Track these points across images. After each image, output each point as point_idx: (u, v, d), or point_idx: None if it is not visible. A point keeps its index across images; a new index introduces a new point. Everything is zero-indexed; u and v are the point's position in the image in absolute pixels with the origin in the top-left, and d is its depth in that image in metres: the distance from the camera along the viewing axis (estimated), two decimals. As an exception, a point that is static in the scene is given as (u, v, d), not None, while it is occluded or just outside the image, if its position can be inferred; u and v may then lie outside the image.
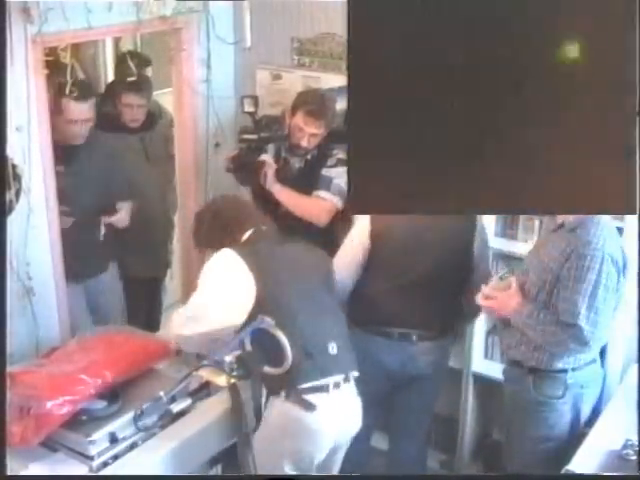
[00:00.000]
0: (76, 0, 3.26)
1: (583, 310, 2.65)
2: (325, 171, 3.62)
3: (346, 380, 2.82)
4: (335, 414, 2.77)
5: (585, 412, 2.87)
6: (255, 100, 3.75)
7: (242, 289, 2.71)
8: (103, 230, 3.86)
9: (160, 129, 4.40)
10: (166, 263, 4.67)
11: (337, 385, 2.77)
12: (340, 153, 3.60)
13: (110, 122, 4.20)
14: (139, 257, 4.28)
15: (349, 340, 2.88)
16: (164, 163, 4.38)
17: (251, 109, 3.72)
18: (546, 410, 2.84)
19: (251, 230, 2.90)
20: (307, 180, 3.66)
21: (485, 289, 2.90)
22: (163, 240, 4.55)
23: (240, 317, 2.63)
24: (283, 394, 2.71)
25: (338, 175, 3.57)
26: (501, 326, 3.01)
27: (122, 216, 3.85)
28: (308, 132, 3.59)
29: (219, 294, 2.76)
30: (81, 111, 3.58)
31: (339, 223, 3.58)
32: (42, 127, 3.33)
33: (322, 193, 3.58)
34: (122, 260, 4.21)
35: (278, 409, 2.72)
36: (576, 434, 2.81)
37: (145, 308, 4.57)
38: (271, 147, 3.78)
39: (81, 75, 4.79)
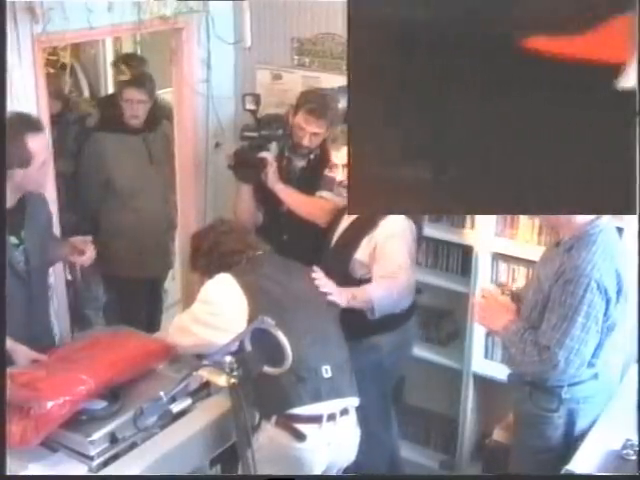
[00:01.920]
0: (77, 0, 3.26)
1: (558, 335, 2.63)
2: (328, 171, 3.61)
3: (344, 413, 2.81)
4: (326, 447, 2.77)
5: (581, 427, 2.83)
6: (256, 98, 3.75)
7: (234, 312, 2.76)
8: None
9: (164, 129, 4.38)
10: (167, 264, 4.67)
11: (332, 417, 2.77)
12: None
13: (113, 122, 4.20)
14: (140, 258, 4.28)
15: (347, 364, 2.89)
16: (167, 164, 4.36)
17: (252, 107, 3.72)
18: (542, 422, 2.83)
19: (248, 257, 2.95)
20: (310, 180, 3.66)
21: (482, 296, 2.94)
22: (165, 241, 4.55)
23: (228, 338, 2.62)
24: (274, 419, 2.74)
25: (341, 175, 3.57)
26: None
27: (90, 254, 3.21)
28: (309, 131, 3.60)
29: (209, 316, 2.82)
30: (44, 142, 2.95)
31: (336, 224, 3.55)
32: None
33: (324, 193, 3.58)
34: (123, 261, 4.20)
35: (268, 434, 2.74)
36: (572, 447, 2.78)
37: (145, 309, 4.57)
38: (274, 146, 3.79)
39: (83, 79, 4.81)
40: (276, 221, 3.72)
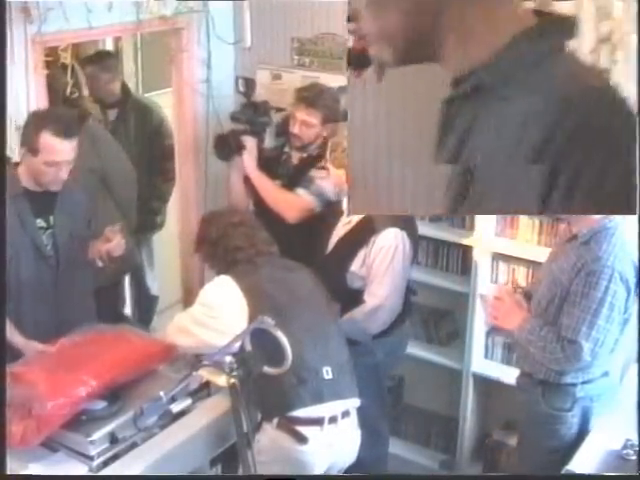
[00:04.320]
0: (76, 0, 3.26)
1: (584, 327, 2.64)
2: (313, 171, 3.64)
3: (345, 415, 2.81)
4: (327, 449, 2.77)
5: (593, 425, 2.84)
6: (248, 81, 3.85)
7: (234, 315, 2.74)
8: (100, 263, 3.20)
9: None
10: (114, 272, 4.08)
11: (333, 419, 2.76)
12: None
13: None
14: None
15: (348, 365, 2.88)
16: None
17: (243, 89, 3.84)
18: (555, 422, 2.83)
19: (252, 255, 2.91)
20: (300, 177, 3.68)
21: (494, 297, 2.95)
22: None
23: (228, 340, 2.59)
24: (275, 421, 2.73)
25: (323, 177, 3.58)
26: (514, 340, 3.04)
27: (118, 242, 3.16)
28: (299, 118, 3.62)
29: (208, 318, 2.80)
30: (64, 151, 2.93)
31: (323, 225, 3.50)
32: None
33: (300, 191, 3.60)
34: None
35: (270, 436, 2.74)
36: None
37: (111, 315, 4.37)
38: (270, 137, 3.88)
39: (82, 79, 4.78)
40: (261, 213, 3.71)
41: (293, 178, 3.70)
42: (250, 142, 3.74)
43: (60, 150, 2.90)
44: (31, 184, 3.01)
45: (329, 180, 3.45)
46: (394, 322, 3.32)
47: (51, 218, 3.09)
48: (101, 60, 4.47)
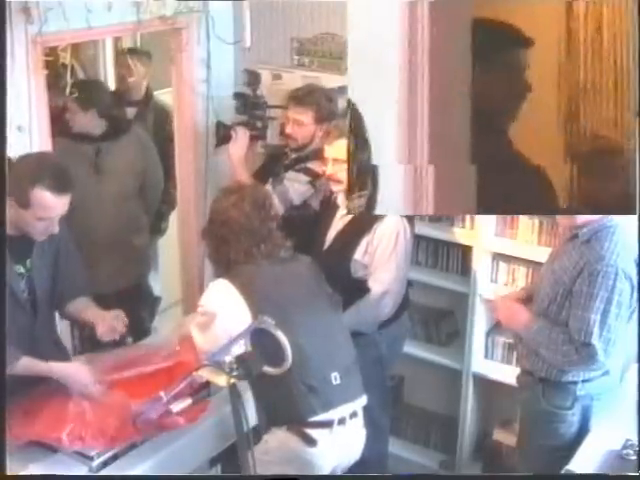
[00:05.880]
0: (76, 0, 3.26)
1: (596, 329, 2.64)
2: (289, 172, 3.67)
3: (353, 415, 2.81)
4: (335, 450, 2.78)
5: (593, 424, 2.84)
6: (250, 74, 3.98)
7: (237, 321, 2.68)
8: None
9: (125, 141, 4.09)
10: (135, 273, 4.31)
11: (342, 421, 2.77)
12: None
13: (65, 129, 3.94)
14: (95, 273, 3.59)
15: (355, 365, 2.87)
16: (120, 176, 4.04)
17: (246, 80, 3.99)
18: (555, 420, 2.83)
19: (255, 256, 2.84)
20: (278, 176, 3.73)
21: (497, 296, 2.98)
22: (122, 252, 4.10)
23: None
24: (285, 426, 2.74)
25: (292, 179, 3.61)
26: (516, 338, 3.04)
27: (115, 329, 2.95)
28: (291, 117, 3.67)
29: (212, 328, 2.78)
30: (57, 207, 2.69)
31: (321, 220, 3.49)
32: (42, 127, 3.34)
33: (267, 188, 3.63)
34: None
35: (278, 437, 2.74)
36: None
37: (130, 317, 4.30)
38: (274, 134, 3.94)
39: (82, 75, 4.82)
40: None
41: (278, 177, 3.73)
42: (240, 133, 3.81)
43: (54, 207, 2.67)
44: (12, 230, 2.66)
45: (296, 185, 3.57)
46: (394, 313, 3.34)
47: (28, 262, 2.83)
48: (144, 56, 4.61)
